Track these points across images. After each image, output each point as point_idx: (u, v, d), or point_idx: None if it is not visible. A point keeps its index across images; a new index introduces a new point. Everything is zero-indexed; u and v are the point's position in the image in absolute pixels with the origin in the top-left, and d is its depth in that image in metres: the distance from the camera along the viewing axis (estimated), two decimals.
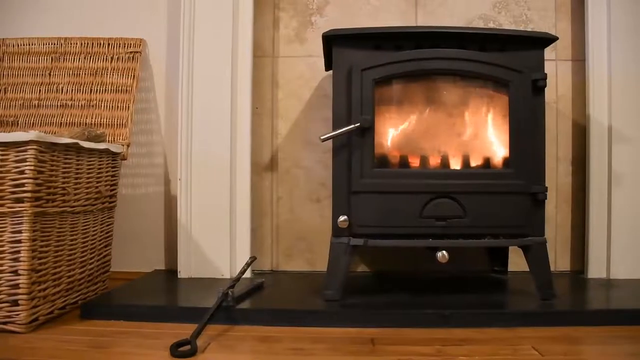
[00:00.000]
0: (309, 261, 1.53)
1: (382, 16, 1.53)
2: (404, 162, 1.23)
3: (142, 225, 1.55)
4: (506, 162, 1.21)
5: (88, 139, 1.25)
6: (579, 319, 1.12)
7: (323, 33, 1.21)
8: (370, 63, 1.18)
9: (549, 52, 1.54)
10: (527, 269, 1.52)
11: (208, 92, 1.43)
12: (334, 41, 1.21)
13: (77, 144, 1.16)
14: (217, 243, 1.44)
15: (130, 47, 1.51)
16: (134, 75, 1.49)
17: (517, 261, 1.53)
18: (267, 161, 1.54)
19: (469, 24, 1.54)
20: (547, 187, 1.21)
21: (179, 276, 1.44)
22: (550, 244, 1.53)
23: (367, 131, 1.18)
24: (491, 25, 1.55)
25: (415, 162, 1.23)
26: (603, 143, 1.47)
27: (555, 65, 1.55)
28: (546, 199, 1.21)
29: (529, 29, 1.54)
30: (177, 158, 1.44)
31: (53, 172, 1.10)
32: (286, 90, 1.54)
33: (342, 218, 1.18)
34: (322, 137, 1.16)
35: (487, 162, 1.23)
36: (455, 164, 1.23)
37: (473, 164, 1.23)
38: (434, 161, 1.23)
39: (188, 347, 0.96)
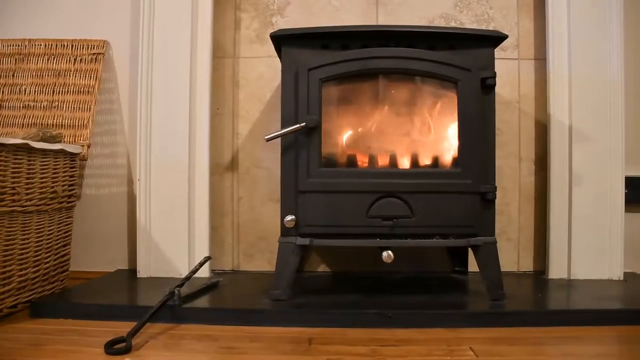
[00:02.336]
0: (270, 261, 1.53)
1: (343, 16, 1.53)
2: (351, 162, 1.23)
3: (105, 225, 1.57)
4: (455, 161, 1.21)
5: (43, 140, 1.27)
6: (525, 319, 1.11)
7: (271, 33, 1.22)
8: (317, 62, 1.18)
9: (511, 51, 1.54)
10: None
11: (167, 93, 1.44)
12: (282, 41, 1.22)
13: (27, 144, 1.18)
14: (176, 243, 1.45)
15: (93, 48, 1.53)
16: (96, 77, 1.51)
17: None
18: (228, 161, 1.54)
19: (430, 23, 1.54)
20: (496, 187, 1.20)
21: (138, 276, 1.45)
22: (513, 245, 1.54)
23: (314, 131, 1.18)
24: (452, 24, 1.54)
25: (363, 161, 1.23)
26: (564, 142, 1.46)
27: (518, 65, 1.54)
28: (495, 198, 1.20)
29: (491, 28, 1.54)
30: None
31: (1, 172, 1.12)
32: (247, 91, 1.54)
33: (288, 218, 1.19)
34: (267, 137, 1.17)
35: (435, 162, 1.23)
36: (404, 164, 1.22)
37: (421, 163, 1.23)
38: (382, 161, 1.22)
39: (123, 344, 0.97)
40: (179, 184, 1.44)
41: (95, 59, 1.52)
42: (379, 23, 1.53)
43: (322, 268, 1.55)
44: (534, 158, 1.54)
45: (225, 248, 1.54)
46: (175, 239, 1.44)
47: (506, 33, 1.52)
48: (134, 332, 1.01)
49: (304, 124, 1.16)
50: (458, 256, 1.50)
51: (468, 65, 1.18)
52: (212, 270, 1.50)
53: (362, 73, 1.20)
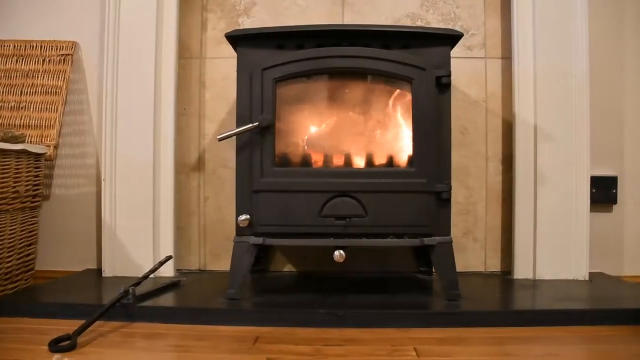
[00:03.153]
0: None
1: (309, 16, 1.53)
2: (305, 161, 1.23)
3: (75, 225, 1.58)
4: (409, 160, 1.20)
5: (4, 140, 1.28)
6: (477, 320, 1.10)
7: (226, 34, 1.22)
8: (270, 62, 1.19)
9: (478, 50, 1.54)
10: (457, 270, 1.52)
11: (132, 93, 1.45)
12: (237, 41, 1.22)
13: None
14: (141, 242, 1.45)
15: (62, 49, 1.54)
16: (64, 78, 1.52)
17: None
18: (195, 161, 1.55)
19: (397, 22, 1.53)
20: (450, 186, 1.19)
21: (103, 275, 1.46)
22: (479, 245, 1.53)
23: (267, 130, 1.18)
24: (419, 23, 1.53)
25: (317, 161, 1.23)
26: (529, 142, 1.45)
27: (485, 63, 1.53)
28: (450, 197, 1.19)
29: (458, 27, 1.53)
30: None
31: None
32: (213, 91, 1.55)
33: (242, 217, 1.19)
34: (219, 137, 1.17)
35: (390, 161, 1.23)
36: (358, 163, 1.22)
37: (376, 162, 1.22)
38: (337, 160, 1.22)
39: (68, 342, 0.98)
40: (143, 184, 1.45)
41: (64, 60, 1.53)
42: (345, 22, 1.53)
43: (288, 268, 1.55)
44: (501, 157, 1.53)
45: (192, 248, 1.55)
46: (140, 239, 1.45)
47: (473, 32, 1.54)
48: (80, 330, 1.02)
49: (256, 123, 1.17)
50: (423, 256, 1.49)
51: (423, 64, 1.18)
52: (177, 270, 1.51)
53: (316, 72, 1.20)
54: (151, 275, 1.43)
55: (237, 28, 1.53)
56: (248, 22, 1.54)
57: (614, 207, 1.56)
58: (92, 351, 0.96)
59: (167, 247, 1.46)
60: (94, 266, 1.58)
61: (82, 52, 1.58)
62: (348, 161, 1.22)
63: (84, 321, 1.07)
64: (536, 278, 1.43)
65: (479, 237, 1.53)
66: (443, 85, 1.19)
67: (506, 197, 1.52)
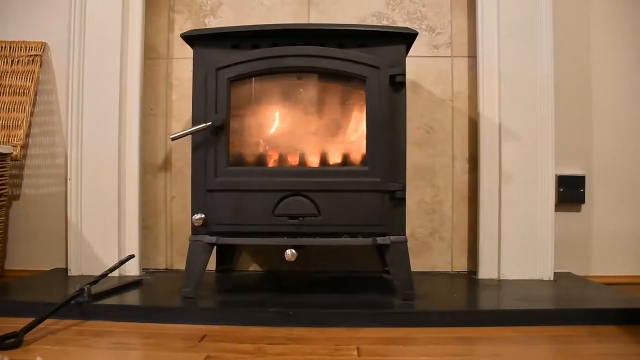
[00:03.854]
0: None
1: (275, 16, 1.54)
2: (259, 161, 1.23)
3: (45, 224, 1.59)
4: (363, 159, 1.20)
5: None
6: (429, 320, 1.09)
7: (181, 34, 1.23)
8: (225, 62, 1.19)
9: (444, 49, 1.53)
10: (421, 270, 1.51)
11: (97, 93, 1.46)
12: (193, 42, 1.23)
13: None
14: (106, 241, 1.46)
15: (31, 50, 1.56)
16: (32, 78, 1.54)
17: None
18: (161, 161, 1.56)
19: (362, 21, 1.53)
20: (404, 185, 1.18)
21: (69, 274, 1.47)
22: (446, 244, 1.53)
23: (221, 130, 1.18)
24: (385, 22, 1.53)
25: (272, 160, 1.23)
26: (494, 141, 1.44)
27: (451, 62, 1.53)
28: (404, 196, 1.19)
29: (424, 26, 1.53)
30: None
31: None
32: (180, 92, 1.55)
33: (197, 216, 1.19)
34: (172, 136, 1.18)
35: (344, 160, 1.22)
36: (312, 162, 1.22)
37: (330, 161, 1.22)
38: (291, 159, 1.22)
39: (13, 339, 0.99)
40: (109, 184, 1.46)
41: (33, 60, 1.55)
42: (311, 22, 1.53)
43: (254, 267, 1.55)
44: (467, 156, 1.52)
45: (159, 247, 1.56)
46: (106, 238, 1.46)
47: (439, 31, 1.54)
48: (28, 328, 1.02)
49: (210, 123, 1.17)
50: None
51: (376, 62, 1.18)
52: (144, 269, 1.52)
53: (270, 72, 1.20)
54: (116, 274, 1.45)
55: (204, 28, 1.54)
56: (215, 22, 1.55)
57: (582, 206, 1.54)
58: (35, 349, 0.97)
59: (132, 246, 1.47)
60: (63, 265, 1.59)
61: (52, 52, 1.59)
62: (302, 160, 1.22)
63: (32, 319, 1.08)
64: (501, 278, 1.42)
65: (446, 236, 1.52)
66: (397, 84, 1.19)
67: (473, 197, 1.51)
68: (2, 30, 1.58)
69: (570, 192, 1.52)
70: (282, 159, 1.23)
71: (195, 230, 1.20)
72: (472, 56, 1.51)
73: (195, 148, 1.21)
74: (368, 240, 1.17)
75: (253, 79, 1.23)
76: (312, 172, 1.20)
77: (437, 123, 1.52)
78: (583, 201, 1.53)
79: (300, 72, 1.22)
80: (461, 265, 1.53)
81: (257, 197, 1.18)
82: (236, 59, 1.18)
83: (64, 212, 1.59)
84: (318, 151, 1.23)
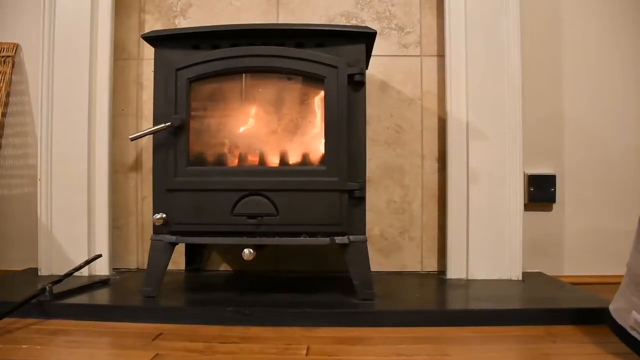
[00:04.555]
0: (174, 260, 1.54)
1: (244, 16, 1.54)
2: (219, 160, 1.23)
3: (18, 224, 1.60)
4: (321, 159, 1.20)
5: None
6: (385, 320, 1.09)
7: (142, 35, 1.23)
8: (184, 62, 1.19)
9: (413, 48, 1.53)
10: (391, 270, 1.51)
11: (67, 93, 1.47)
12: (154, 42, 1.23)
13: None
14: (76, 241, 1.47)
15: (3, 51, 1.57)
16: (4, 79, 1.56)
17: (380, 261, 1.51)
18: (132, 161, 1.57)
19: (331, 21, 1.53)
20: (363, 185, 1.18)
21: (39, 274, 1.48)
22: (416, 244, 1.52)
23: (181, 130, 1.19)
24: (354, 22, 1.53)
25: (231, 160, 1.23)
26: (461, 140, 1.43)
27: (420, 61, 1.52)
28: (364, 196, 1.18)
29: (393, 25, 1.52)
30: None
31: None
32: (150, 92, 1.54)
33: (157, 216, 1.20)
34: (131, 137, 1.19)
35: (303, 160, 1.22)
36: (271, 162, 1.22)
37: (289, 161, 1.22)
38: (251, 159, 1.23)
39: None
40: (79, 184, 1.47)
41: (4, 61, 1.56)
42: (280, 22, 1.53)
43: (224, 267, 1.55)
44: (437, 156, 1.52)
45: (131, 247, 1.57)
46: (76, 238, 1.47)
47: (408, 30, 1.53)
48: None
49: (168, 123, 1.18)
50: None
51: (334, 62, 1.17)
52: (115, 269, 1.52)
53: (229, 72, 1.20)
54: (85, 274, 1.46)
55: (165, 29, 1.55)
56: (184, 23, 1.56)
57: (554, 205, 1.53)
58: None
59: (102, 246, 1.48)
60: (35, 265, 1.60)
61: (24, 53, 1.61)
62: (262, 160, 1.22)
63: None
64: (469, 278, 1.42)
65: (415, 236, 1.52)
66: (356, 83, 1.19)
67: (442, 196, 1.51)
68: None
69: (541, 191, 1.51)
70: (241, 158, 1.23)
71: (157, 229, 1.21)
72: (441, 55, 1.50)
73: (156, 148, 1.21)
74: (326, 240, 1.17)
75: (213, 79, 1.23)
76: (271, 171, 1.20)
77: (407, 122, 1.52)
78: (554, 200, 1.52)
79: (259, 72, 1.22)
80: (431, 265, 1.52)
81: (216, 196, 1.18)
82: (195, 60, 1.19)
83: (36, 213, 1.61)
84: (277, 151, 1.23)
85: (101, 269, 1.47)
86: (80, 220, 1.47)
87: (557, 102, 1.54)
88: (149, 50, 1.56)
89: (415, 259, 1.52)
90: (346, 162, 1.17)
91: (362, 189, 1.18)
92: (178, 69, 1.19)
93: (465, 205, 1.42)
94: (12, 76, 1.57)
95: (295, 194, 1.17)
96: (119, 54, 1.55)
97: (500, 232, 1.41)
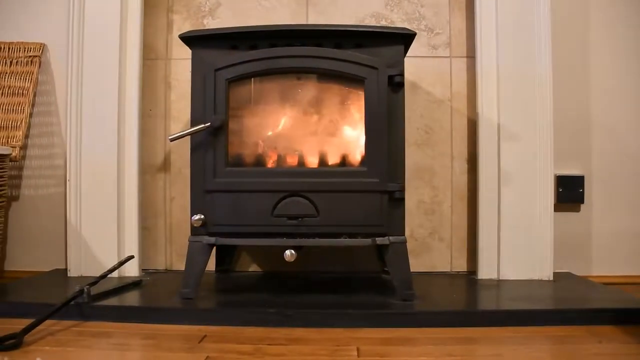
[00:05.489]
0: None
1: (273, 16, 1.54)
2: (258, 161, 1.23)
3: (44, 225, 1.59)
4: (361, 160, 1.20)
5: None
6: (428, 320, 1.10)
7: (179, 35, 1.23)
8: (223, 63, 1.19)
9: (443, 49, 1.53)
10: (420, 270, 1.52)
11: (96, 94, 1.46)
12: (191, 43, 1.23)
13: None
14: (106, 242, 1.46)
15: (30, 51, 1.56)
16: (31, 79, 1.54)
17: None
18: (161, 162, 1.56)
19: (361, 22, 1.53)
20: (403, 186, 1.18)
21: (68, 275, 1.47)
22: (445, 245, 1.53)
23: (220, 130, 1.18)
24: (383, 23, 1.53)
25: (270, 161, 1.23)
26: (493, 141, 1.44)
27: (450, 62, 1.53)
28: (403, 197, 1.19)
29: (422, 26, 1.53)
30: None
31: None
32: (179, 92, 1.55)
33: (195, 217, 1.19)
34: (170, 137, 1.18)
35: (343, 161, 1.22)
36: (311, 163, 1.22)
37: (329, 162, 1.22)
38: (290, 160, 1.22)
39: (13, 341, 0.99)
40: (108, 185, 1.46)
41: (32, 61, 1.55)
42: (310, 22, 1.53)
43: (253, 268, 1.55)
44: (466, 157, 1.52)
45: (159, 248, 1.56)
46: (105, 239, 1.46)
47: (438, 31, 1.54)
48: (28, 329, 1.03)
49: (208, 124, 1.17)
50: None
51: (375, 63, 1.18)
52: (143, 270, 1.52)
53: (269, 73, 1.20)
54: (115, 275, 1.45)
55: (202, 29, 1.54)
56: (213, 23, 1.55)
57: (582, 206, 1.54)
58: (35, 350, 0.97)
59: (132, 247, 1.47)
60: (62, 266, 1.59)
61: (50, 53, 1.59)
62: (301, 161, 1.22)
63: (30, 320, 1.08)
64: (500, 278, 1.42)
65: (445, 237, 1.52)
66: (396, 84, 1.19)
67: (472, 197, 1.51)
68: (0, 30, 1.58)
69: (570, 192, 1.52)
70: (280, 159, 1.23)
71: (195, 231, 1.21)
72: (471, 56, 1.51)
73: (194, 149, 1.21)
74: (367, 241, 1.17)
75: (250, 79, 1.23)
76: (311, 172, 1.20)
77: (436, 123, 1.52)
78: (582, 201, 1.53)
79: (299, 72, 1.21)
80: (460, 265, 1.53)
81: (256, 197, 1.18)
82: (235, 60, 1.18)
83: (63, 213, 1.60)
84: (317, 152, 1.23)
85: (131, 270, 1.46)
86: (109, 221, 1.46)
87: (584, 103, 1.55)
88: (177, 50, 1.56)
89: (445, 259, 1.52)
90: (386, 163, 1.18)
91: (402, 190, 1.19)
92: (217, 69, 1.19)
93: (497, 206, 1.43)
94: (39, 76, 1.56)
95: (335, 195, 1.17)
96: (147, 53, 1.54)
97: (531, 232, 1.41)
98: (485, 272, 1.44)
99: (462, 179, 1.52)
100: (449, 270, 1.53)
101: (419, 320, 1.10)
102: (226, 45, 1.21)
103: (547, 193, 1.41)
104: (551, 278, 1.41)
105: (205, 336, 1.04)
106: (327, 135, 1.24)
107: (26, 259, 1.58)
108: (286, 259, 1.14)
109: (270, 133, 1.26)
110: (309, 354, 0.96)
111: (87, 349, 0.98)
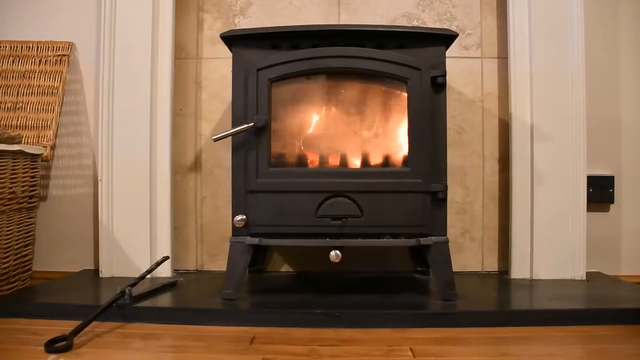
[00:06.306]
0: None
1: (305, 16, 1.53)
2: (301, 161, 1.23)
3: (72, 226, 1.58)
4: (404, 160, 1.20)
5: (0, 141, 1.28)
6: (473, 320, 1.10)
7: (221, 34, 1.22)
8: (266, 63, 1.19)
9: (474, 50, 1.54)
10: (454, 270, 1.52)
11: (128, 94, 1.45)
12: (232, 42, 1.22)
13: None
14: (138, 243, 1.45)
15: (58, 50, 1.54)
16: (61, 78, 1.52)
17: None
18: (191, 162, 1.55)
19: (392, 22, 1.53)
20: (445, 186, 1.19)
21: (100, 275, 1.46)
22: (477, 244, 1.53)
23: (263, 130, 1.18)
24: (415, 23, 1.53)
25: (312, 161, 1.23)
26: (525, 141, 1.44)
27: (481, 63, 1.53)
28: (446, 197, 1.19)
29: (454, 27, 1.53)
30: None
31: None
32: (209, 92, 1.55)
33: (238, 217, 1.19)
34: (214, 137, 1.17)
35: (385, 161, 1.23)
36: (354, 163, 1.22)
37: (371, 162, 1.22)
38: (332, 160, 1.22)
39: (64, 342, 0.98)
40: (140, 185, 1.45)
41: (60, 60, 1.53)
42: (341, 22, 1.53)
43: (285, 268, 1.55)
44: (497, 157, 1.53)
45: (189, 248, 1.55)
46: (137, 239, 1.45)
47: (469, 32, 1.54)
48: (77, 331, 1.02)
49: (252, 124, 1.17)
50: (420, 256, 1.49)
51: (417, 63, 1.18)
52: (175, 270, 1.51)
53: (312, 72, 1.20)
54: (148, 276, 1.44)
55: (233, 28, 1.53)
56: (244, 22, 1.54)
57: (611, 206, 1.56)
58: (87, 352, 0.96)
59: (164, 248, 1.46)
60: (91, 267, 1.58)
61: (79, 52, 1.58)
62: (344, 161, 1.22)
63: (79, 322, 1.07)
64: (533, 278, 1.43)
65: (476, 236, 1.53)
66: (438, 85, 1.19)
67: (502, 197, 1.52)
68: (29, 30, 1.56)
69: (600, 192, 1.53)
70: (322, 159, 1.23)
71: (236, 231, 1.20)
72: (502, 57, 1.52)
73: (235, 149, 1.20)
74: (412, 241, 1.17)
75: (292, 79, 1.22)
76: (355, 173, 1.20)
77: (468, 124, 1.53)
78: (612, 201, 1.54)
79: (342, 73, 1.21)
80: (491, 265, 1.53)
81: (300, 198, 1.18)
82: (278, 60, 1.18)
83: (91, 213, 1.59)
84: (359, 152, 1.23)
85: (163, 270, 1.45)
86: (142, 222, 1.45)
87: (614, 104, 1.56)
88: (207, 50, 1.55)
89: (476, 259, 1.53)
90: (429, 164, 1.18)
91: (445, 190, 1.19)
92: (259, 69, 1.18)
93: (530, 206, 1.43)
94: (67, 75, 1.54)
95: (379, 195, 1.18)
96: (177, 52, 1.52)
97: (564, 232, 1.42)
98: (518, 271, 1.45)
99: (493, 179, 1.53)
100: (480, 270, 1.53)
101: (465, 320, 1.10)
102: (267, 44, 1.21)
103: (580, 193, 1.42)
104: (584, 278, 1.42)
105: (254, 337, 1.04)
106: (369, 135, 1.24)
107: (54, 259, 1.57)
108: (332, 260, 1.14)
109: (311, 133, 1.25)
110: (365, 354, 0.96)
111: (139, 351, 0.98)
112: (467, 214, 1.53)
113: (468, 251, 1.53)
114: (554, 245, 1.42)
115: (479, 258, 1.53)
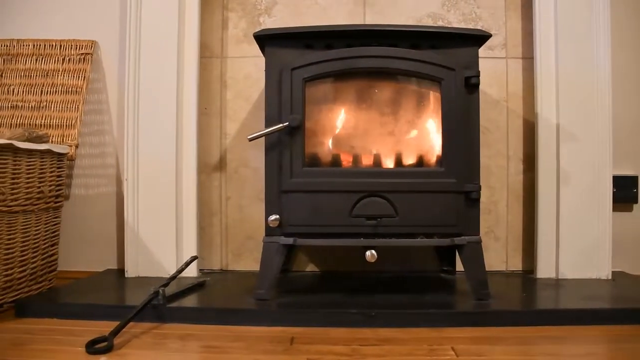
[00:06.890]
0: (258, 261, 1.51)
1: (330, 15, 1.53)
2: (335, 161, 1.23)
3: (95, 225, 1.57)
4: (438, 160, 1.21)
5: (29, 140, 1.27)
6: (509, 319, 1.11)
7: (254, 33, 1.22)
8: (300, 62, 1.18)
9: (499, 50, 1.54)
10: None
11: (154, 93, 1.44)
12: (265, 41, 1.22)
13: (11, 145, 1.18)
14: (164, 242, 1.45)
15: (81, 49, 1.53)
16: (84, 77, 1.51)
17: None
18: (216, 161, 1.55)
19: (418, 22, 1.53)
20: (479, 186, 1.19)
21: (126, 275, 1.45)
22: (501, 244, 1.54)
23: (297, 130, 1.18)
24: (440, 23, 1.54)
25: (346, 161, 1.23)
26: (551, 141, 1.45)
27: (506, 63, 1.54)
28: (479, 197, 1.19)
29: (479, 27, 1.53)
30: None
31: None
32: (235, 91, 1.54)
33: (272, 217, 1.19)
34: (249, 136, 1.17)
35: (419, 161, 1.23)
36: (388, 163, 1.22)
37: (405, 162, 1.23)
38: (366, 160, 1.22)
39: (105, 343, 0.98)
40: (166, 184, 1.44)
41: (84, 59, 1.52)
42: (366, 22, 1.53)
43: (310, 268, 1.55)
44: (522, 157, 1.53)
45: (214, 248, 1.55)
46: (163, 239, 1.45)
47: (494, 32, 1.54)
48: (116, 332, 1.02)
49: (286, 123, 1.16)
50: (446, 256, 1.50)
51: (451, 64, 1.18)
52: (200, 270, 1.50)
53: (346, 72, 1.20)
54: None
55: (259, 27, 1.53)
56: (269, 22, 1.54)
57: (634, 206, 1.57)
58: (128, 352, 0.96)
59: (190, 247, 1.46)
60: (114, 266, 1.57)
61: (102, 51, 1.57)
62: (377, 161, 1.22)
63: (112, 322, 1.06)
64: (559, 277, 1.44)
65: (501, 236, 1.54)
66: (472, 85, 1.19)
67: (527, 196, 1.53)
68: (52, 28, 1.55)
69: (623, 192, 1.54)
70: (356, 159, 1.23)
71: (270, 231, 1.20)
72: (527, 57, 1.52)
73: (269, 149, 1.20)
74: (446, 241, 1.18)
75: (325, 79, 1.22)
76: (389, 173, 1.20)
77: (493, 124, 1.53)
78: (636, 201, 1.55)
79: (377, 73, 1.21)
80: (515, 264, 1.54)
81: (334, 198, 1.17)
82: (312, 59, 1.18)
83: (114, 213, 1.58)
84: (393, 152, 1.23)
85: (189, 270, 1.43)
86: (168, 221, 1.44)
87: (637, 104, 1.57)
88: (232, 49, 1.55)
89: (500, 258, 1.54)
90: (463, 164, 1.18)
91: (479, 190, 1.19)
92: (293, 69, 1.18)
93: (555, 206, 1.44)
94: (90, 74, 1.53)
95: (413, 195, 1.18)
96: (202, 51, 1.52)
97: (590, 232, 1.43)
98: (544, 271, 1.45)
99: (518, 179, 1.54)
100: (504, 269, 1.54)
101: (500, 320, 1.10)
102: (301, 44, 1.21)
103: (606, 193, 1.43)
104: (610, 277, 1.43)
105: (293, 338, 1.04)
106: (403, 135, 1.24)
107: (77, 258, 1.56)
108: (367, 260, 1.14)
109: (346, 133, 1.25)
110: (407, 354, 0.96)
111: (180, 352, 0.97)
112: (492, 214, 1.53)
113: (492, 251, 1.53)
114: (579, 245, 1.43)
115: (503, 257, 1.54)
